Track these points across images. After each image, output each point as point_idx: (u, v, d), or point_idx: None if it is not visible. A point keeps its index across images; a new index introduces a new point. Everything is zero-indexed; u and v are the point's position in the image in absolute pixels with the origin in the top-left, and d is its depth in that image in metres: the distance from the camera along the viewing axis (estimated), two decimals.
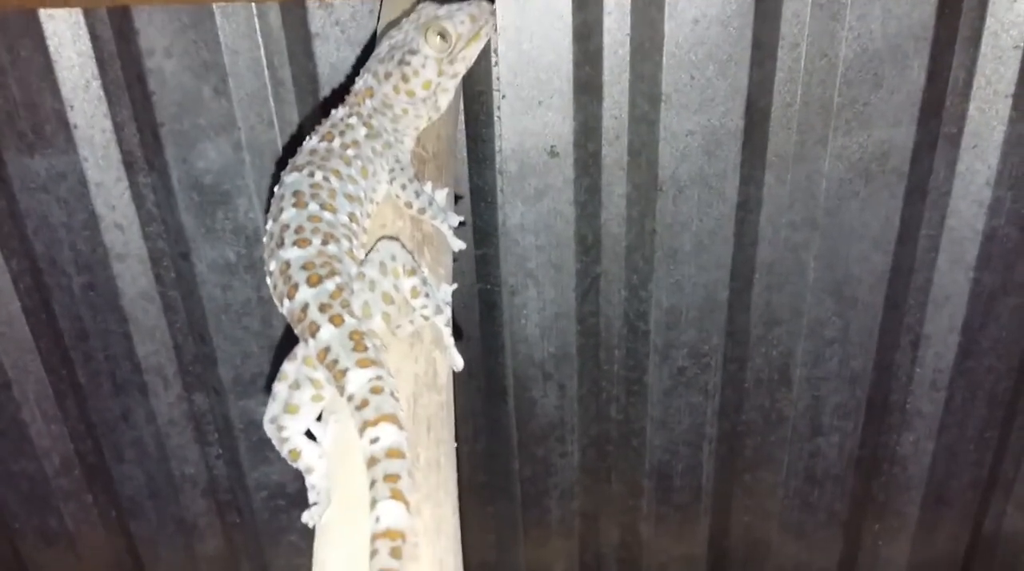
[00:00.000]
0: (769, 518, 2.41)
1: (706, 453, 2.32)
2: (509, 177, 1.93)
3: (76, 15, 1.75)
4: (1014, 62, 1.80)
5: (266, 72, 1.80)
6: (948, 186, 1.94)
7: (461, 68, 1.09)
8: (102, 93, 1.83)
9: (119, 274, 2.03)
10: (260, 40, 1.76)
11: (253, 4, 1.72)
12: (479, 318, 2.12)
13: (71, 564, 2.44)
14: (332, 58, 1.79)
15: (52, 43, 1.78)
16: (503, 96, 1.84)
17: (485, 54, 1.79)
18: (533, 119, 1.86)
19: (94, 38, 1.78)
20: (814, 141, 1.88)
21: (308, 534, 2.49)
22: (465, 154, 1.91)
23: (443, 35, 1.05)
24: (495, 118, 1.86)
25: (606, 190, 1.96)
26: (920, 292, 2.07)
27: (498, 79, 1.82)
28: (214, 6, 1.72)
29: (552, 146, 1.90)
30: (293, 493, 2.34)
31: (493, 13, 1.08)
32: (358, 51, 1.78)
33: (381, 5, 1.36)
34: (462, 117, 1.86)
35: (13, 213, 1.96)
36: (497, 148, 1.89)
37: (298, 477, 2.36)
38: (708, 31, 1.78)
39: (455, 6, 1.07)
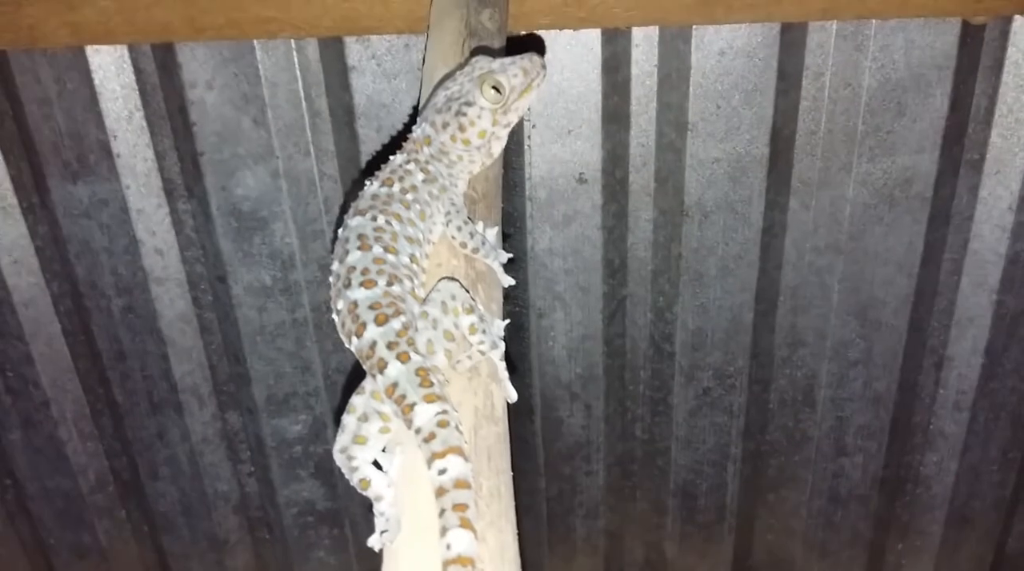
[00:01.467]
0: (793, 537, 2.44)
1: (731, 473, 2.34)
2: (538, 203, 1.98)
3: (121, 50, 1.81)
4: None
5: (303, 104, 1.85)
6: (971, 211, 1.97)
7: (514, 118, 1.14)
8: (144, 123, 1.89)
9: (158, 297, 2.08)
10: (298, 73, 1.82)
11: (292, 40, 1.77)
12: (507, 340, 2.15)
13: None
14: (368, 90, 1.84)
15: (97, 76, 1.84)
16: (533, 126, 1.89)
17: None
18: (562, 147, 1.91)
19: (138, 71, 1.84)
20: (838, 168, 1.92)
21: (337, 550, 2.52)
22: None
23: (498, 88, 1.10)
24: (525, 147, 1.91)
25: (633, 215, 2.00)
26: (944, 315, 2.09)
27: (529, 109, 1.86)
28: (255, 41, 1.78)
29: (581, 173, 1.94)
30: (323, 510, 2.39)
31: (544, 66, 1.13)
32: (393, 83, 1.84)
33: (427, 41, 1.41)
34: None
35: (56, 238, 2.02)
36: (527, 175, 1.94)
37: (327, 495, 2.41)
38: (734, 62, 1.82)
39: (508, 59, 1.12)
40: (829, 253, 2.02)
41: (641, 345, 2.17)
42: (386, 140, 1.89)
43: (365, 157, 1.92)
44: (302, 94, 1.85)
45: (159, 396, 2.22)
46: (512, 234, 2.03)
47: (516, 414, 2.27)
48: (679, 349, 2.16)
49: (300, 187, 1.95)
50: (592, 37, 1.80)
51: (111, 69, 1.84)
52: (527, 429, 2.29)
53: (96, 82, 1.85)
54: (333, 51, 1.81)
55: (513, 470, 2.44)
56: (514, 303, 2.12)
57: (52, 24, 1.66)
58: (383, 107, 1.86)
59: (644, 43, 1.81)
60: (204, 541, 2.44)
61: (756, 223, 1.99)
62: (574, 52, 1.82)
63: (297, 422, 2.24)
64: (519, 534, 0.92)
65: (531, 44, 1.78)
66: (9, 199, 1.96)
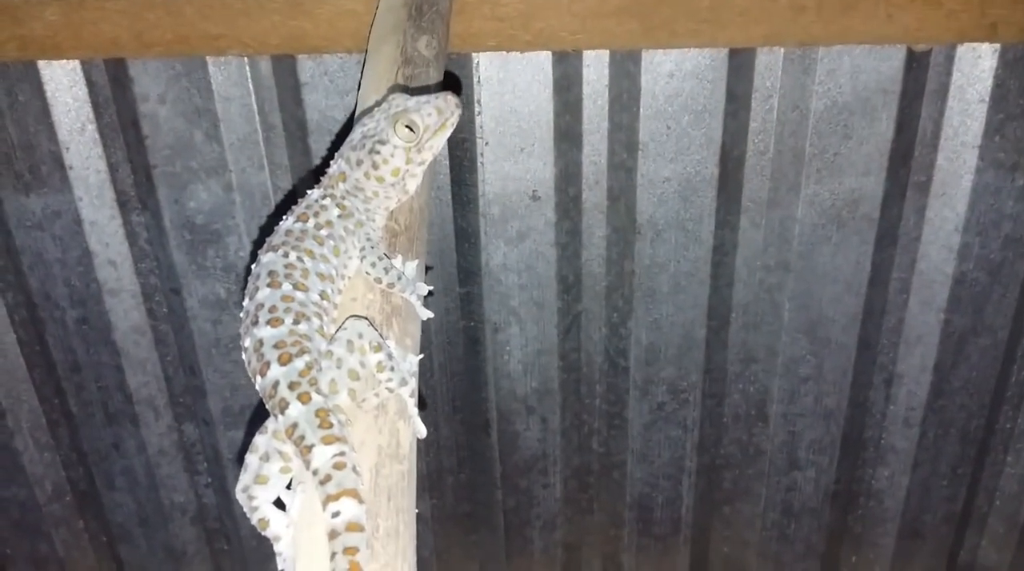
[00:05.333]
0: (748, 549, 2.46)
1: (686, 486, 2.36)
2: (492, 220, 1.99)
3: (73, 63, 1.81)
4: (980, 114, 1.87)
5: (257, 118, 1.86)
6: (918, 232, 2.00)
7: (428, 156, 1.15)
8: (97, 136, 1.89)
9: (112, 308, 2.08)
10: (251, 88, 1.83)
11: (245, 56, 1.77)
12: (463, 354, 2.17)
13: None
14: (321, 106, 1.85)
15: (49, 88, 1.84)
16: (486, 143, 1.90)
17: (468, 104, 1.85)
18: (515, 165, 1.92)
19: (90, 84, 1.84)
20: (787, 188, 1.94)
21: None
22: (450, 198, 1.97)
23: (411, 127, 1.11)
24: (479, 164, 1.92)
25: (586, 232, 2.01)
26: (892, 333, 2.12)
27: (481, 127, 1.88)
28: (207, 56, 1.78)
29: (534, 190, 1.96)
30: None
31: (458, 105, 1.14)
32: (346, 99, 1.84)
33: (364, 63, 1.42)
34: (447, 163, 1.92)
35: (9, 249, 2.01)
36: (480, 192, 1.95)
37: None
38: (683, 84, 1.84)
39: (423, 98, 1.13)
40: (779, 271, 2.04)
41: (596, 359, 2.19)
42: None
43: (318, 172, 1.92)
44: (255, 108, 1.85)
45: (115, 407, 2.22)
46: (467, 250, 2.04)
47: (473, 428, 2.28)
48: (633, 364, 2.18)
49: (254, 200, 1.95)
50: (544, 57, 1.81)
51: (63, 82, 1.84)
52: (483, 443, 2.30)
53: (48, 94, 1.84)
54: (286, 67, 1.82)
55: (470, 483, 2.45)
56: (470, 318, 2.13)
57: (1, 38, 1.66)
58: (335, 122, 1.87)
59: (595, 63, 1.82)
60: (162, 552, 2.44)
61: (707, 241, 2.01)
62: (526, 72, 1.83)
63: (251, 433, 2.23)
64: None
65: (451, 83, 1.80)
66: None
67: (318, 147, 1.91)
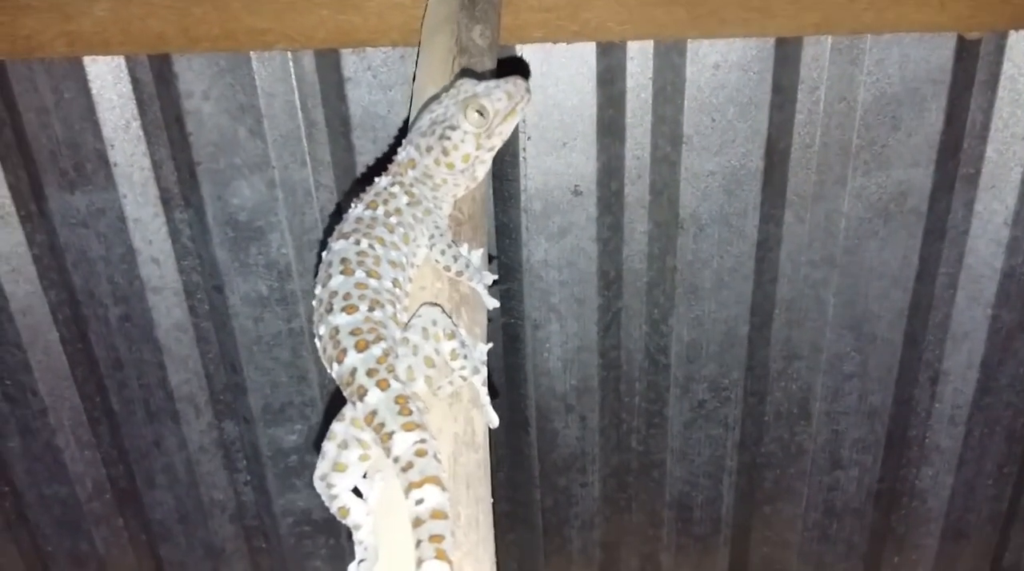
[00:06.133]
0: (788, 550, 2.43)
1: (726, 485, 2.34)
2: (533, 215, 1.98)
3: (118, 60, 1.82)
4: None
5: (300, 114, 1.86)
6: (966, 225, 1.97)
7: (497, 142, 1.14)
8: (141, 133, 1.90)
9: (154, 306, 2.09)
10: (295, 84, 1.83)
11: (288, 51, 1.78)
12: (503, 351, 2.16)
13: None
14: (364, 101, 1.85)
15: (95, 86, 1.85)
16: (528, 138, 1.89)
17: None
18: (557, 160, 1.91)
19: (135, 81, 1.85)
20: (833, 181, 1.92)
21: (333, 560, 2.52)
22: (491, 193, 1.96)
23: (481, 112, 1.10)
24: (521, 159, 1.91)
25: (628, 228, 2.00)
26: (939, 329, 2.09)
27: (524, 122, 1.87)
28: (251, 52, 1.78)
29: (576, 185, 1.95)
30: (319, 520, 2.39)
31: (528, 90, 1.13)
32: (389, 95, 1.84)
33: (418, 55, 1.42)
34: None
35: (53, 247, 2.03)
36: (522, 187, 1.94)
37: (323, 505, 2.39)
38: (729, 75, 1.82)
39: (492, 82, 1.12)
40: (824, 266, 2.02)
41: (636, 357, 2.17)
42: (381, 151, 1.90)
43: (361, 168, 1.92)
44: (298, 105, 1.85)
45: (156, 405, 2.22)
46: (507, 246, 2.03)
47: (512, 426, 2.27)
48: (674, 361, 2.16)
49: (296, 197, 1.96)
50: (587, 50, 1.80)
51: (108, 79, 1.85)
52: (522, 441, 2.29)
53: (93, 91, 1.86)
54: (329, 62, 1.82)
55: (509, 482, 2.44)
56: (510, 315, 2.12)
57: (49, 34, 1.67)
58: (379, 118, 1.87)
59: (639, 56, 1.81)
60: (201, 550, 2.45)
61: (751, 236, 1.99)
62: (570, 65, 1.82)
63: (293, 432, 2.24)
64: (499, 548, 0.91)
65: (518, 67, 1.79)
66: (7, 207, 1.96)
67: (361, 143, 1.91)
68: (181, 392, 2.20)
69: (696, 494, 2.36)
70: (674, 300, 2.08)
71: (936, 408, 2.20)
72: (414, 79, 1.40)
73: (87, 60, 1.83)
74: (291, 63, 1.81)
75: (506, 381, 2.20)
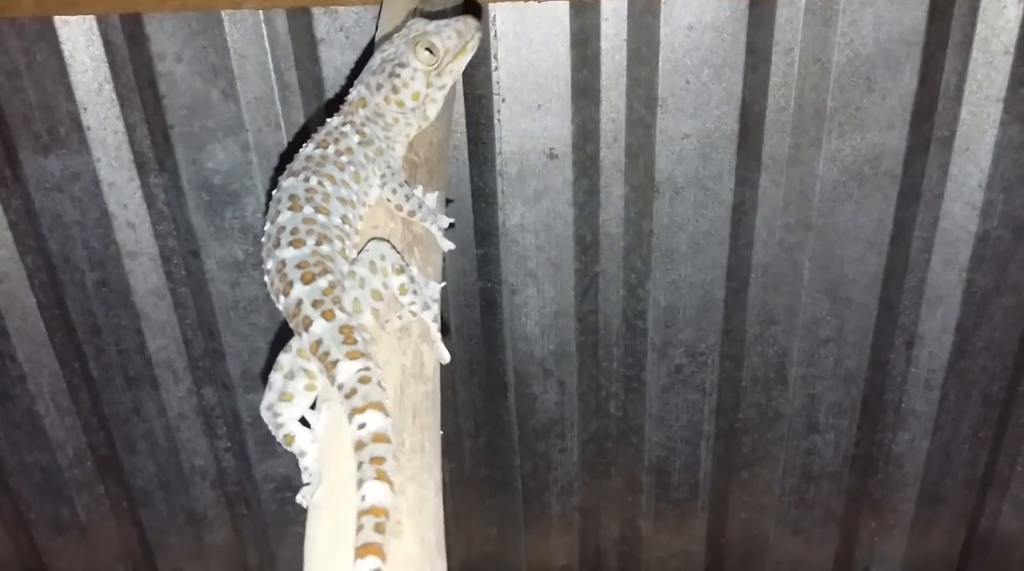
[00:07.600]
0: (766, 514, 2.45)
1: (704, 450, 2.36)
2: (509, 179, 1.98)
3: (89, 21, 1.81)
4: (1004, 67, 1.84)
5: (273, 76, 1.85)
6: (941, 189, 1.97)
7: (448, 80, 1.14)
8: (115, 96, 1.89)
9: (131, 271, 2.09)
10: (267, 45, 1.82)
11: (260, 11, 1.77)
12: (480, 316, 2.17)
13: (83, 553, 2.51)
14: (337, 62, 1.84)
15: (66, 48, 1.84)
16: (503, 100, 1.89)
17: (485, 59, 1.83)
18: (532, 122, 1.91)
19: (107, 43, 1.84)
20: (808, 144, 1.92)
21: None
22: (466, 156, 1.96)
23: (431, 49, 1.11)
24: (495, 121, 1.91)
25: (604, 191, 2.00)
26: (914, 293, 2.10)
27: (498, 83, 1.86)
28: (222, 13, 1.77)
29: (551, 149, 1.94)
30: (299, 485, 2.38)
31: (479, 28, 1.13)
32: (362, 55, 1.83)
33: (380, 13, 1.41)
34: (463, 120, 1.91)
35: (28, 211, 2.02)
36: (497, 150, 1.94)
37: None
38: (703, 37, 1.82)
39: (443, 22, 1.13)
40: (799, 230, 2.02)
41: (614, 322, 2.18)
42: None
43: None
44: (271, 67, 1.85)
45: (134, 370, 2.23)
46: (483, 210, 2.03)
47: (490, 391, 2.28)
48: (651, 326, 2.17)
49: (271, 160, 1.95)
50: (561, 10, 1.79)
51: (80, 40, 1.83)
52: (501, 406, 2.30)
53: (65, 53, 1.84)
54: (301, 24, 1.81)
55: (488, 447, 2.45)
56: (487, 279, 2.13)
57: None
58: (351, 79, 1.86)
59: (613, 16, 1.80)
60: (182, 516, 2.46)
61: (726, 200, 1.99)
62: (543, 25, 1.82)
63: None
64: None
65: (472, 10, 1.76)
66: None
67: (333, 108, 1.90)
68: (159, 358, 2.21)
69: (674, 459, 2.38)
70: (650, 264, 2.08)
71: (912, 372, 2.21)
72: (375, 31, 1.40)
73: (58, 22, 1.81)
74: (263, 24, 1.80)
75: (484, 346, 2.21)
